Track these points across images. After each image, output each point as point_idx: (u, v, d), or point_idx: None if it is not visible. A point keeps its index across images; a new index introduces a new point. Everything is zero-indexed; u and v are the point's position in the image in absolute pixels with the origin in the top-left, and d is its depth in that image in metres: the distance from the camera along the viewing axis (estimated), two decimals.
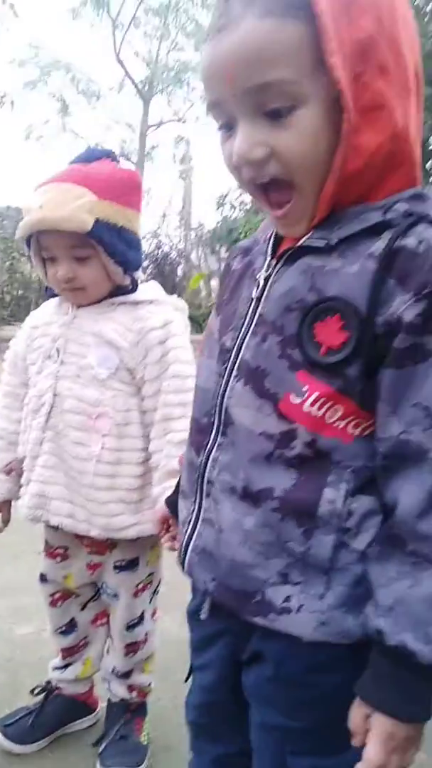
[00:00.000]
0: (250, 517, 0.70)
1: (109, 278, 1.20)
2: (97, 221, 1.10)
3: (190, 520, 0.78)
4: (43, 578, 1.38)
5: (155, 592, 1.39)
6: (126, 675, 1.39)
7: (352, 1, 0.59)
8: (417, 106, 0.67)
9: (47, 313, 1.30)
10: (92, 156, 1.21)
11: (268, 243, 0.74)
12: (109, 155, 1.22)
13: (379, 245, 0.63)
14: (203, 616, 0.80)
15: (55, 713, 1.43)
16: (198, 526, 0.76)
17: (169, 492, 1.00)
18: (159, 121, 11.93)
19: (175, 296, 1.30)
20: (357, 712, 0.67)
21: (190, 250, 10.59)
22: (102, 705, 1.51)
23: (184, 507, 0.81)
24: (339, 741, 0.69)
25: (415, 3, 4.32)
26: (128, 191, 1.17)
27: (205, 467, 0.75)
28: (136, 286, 1.24)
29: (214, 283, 10.03)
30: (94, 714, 1.50)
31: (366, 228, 0.65)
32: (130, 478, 1.20)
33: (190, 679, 0.92)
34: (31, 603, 1.98)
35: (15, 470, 1.29)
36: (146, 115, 11.50)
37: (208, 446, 0.75)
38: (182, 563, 0.80)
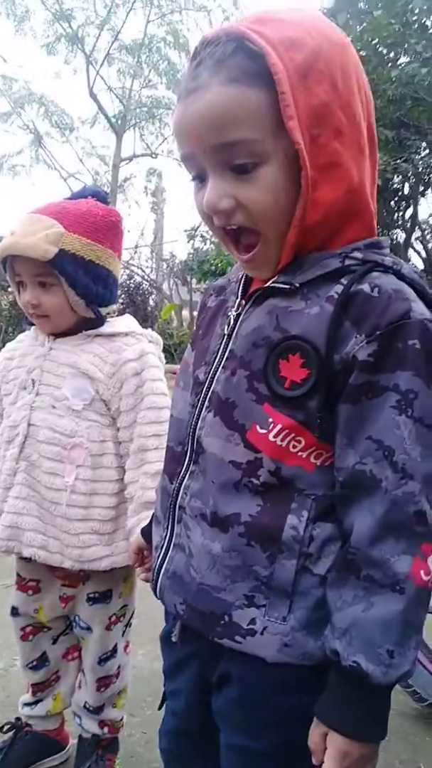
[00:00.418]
0: (217, 543, 0.73)
1: (71, 309, 1.22)
2: (61, 252, 1.15)
3: (162, 545, 0.81)
4: (14, 611, 1.37)
5: (128, 624, 1.39)
6: (98, 710, 1.37)
7: (308, 71, 0.65)
8: (371, 163, 0.73)
9: (23, 345, 1.32)
10: (81, 194, 1.27)
11: (239, 284, 0.80)
12: (97, 194, 1.27)
13: (337, 289, 0.69)
14: (174, 638, 0.83)
15: (25, 750, 1.40)
16: (170, 551, 0.80)
17: (144, 523, 1.02)
18: (132, 155, 12.13)
19: (149, 330, 1.34)
20: (315, 731, 0.70)
21: (161, 281, 10.69)
22: (73, 741, 1.48)
23: (156, 533, 0.85)
24: (303, 764, 0.71)
25: (379, 50, 4.55)
26: (101, 228, 1.21)
27: (177, 494, 0.79)
28: (103, 320, 1.26)
29: (185, 313, 10.13)
30: (64, 751, 1.47)
31: (326, 273, 0.70)
32: (104, 509, 1.20)
33: (163, 709, 0.93)
34: (0, 638, 1.95)
35: None
36: (119, 149, 11.68)
37: (181, 474, 0.79)
38: (154, 588, 0.83)
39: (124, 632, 1.37)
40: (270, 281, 0.73)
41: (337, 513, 0.71)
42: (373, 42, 4.43)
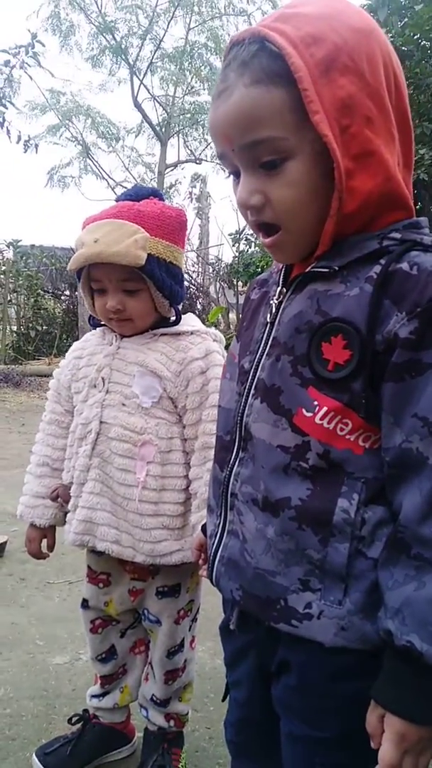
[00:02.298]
0: (271, 527, 0.74)
1: (155, 311, 1.25)
2: (149, 257, 1.15)
3: (216, 533, 0.83)
4: (84, 604, 1.40)
5: (194, 620, 1.40)
6: (164, 703, 1.39)
7: (331, 64, 0.67)
8: (403, 149, 0.74)
9: (91, 344, 1.33)
10: (140, 194, 1.27)
11: (280, 273, 0.82)
12: (156, 193, 1.29)
13: (375, 270, 0.69)
14: (232, 626, 0.84)
15: (92, 743, 1.43)
16: (224, 538, 0.81)
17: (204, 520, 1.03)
18: (176, 161, 12.27)
19: (213, 328, 1.34)
20: (372, 714, 0.70)
21: (208, 285, 10.75)
22: (139, 735, 1.51)
23: (210, 521, 0.86)
24: (369, 753, 0.70)
25: (422, 44, 4.47)
26: (176, 229, 1.23)
27: (228, 481, 0.81)
28: (180, 317, 1.29)
29: (232, 316, 10.14)
30: (131, 744, 1.50)
31: (364, 255, 0.71)
32: (174, 504, 1.22)
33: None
34: (65, 633, 2.01)
35: (61, 496, 1.32)
36: (164, 156, 11.84)
37: (231, 461, 0.81)
38: (210, 575, 0.84)
39: (190, 627, 1.39)
40: (310, 267, 0.75)
41: (387, 495, 0.71)
42: (416, 37, 4.34)
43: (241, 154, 0.71)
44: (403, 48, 4.24)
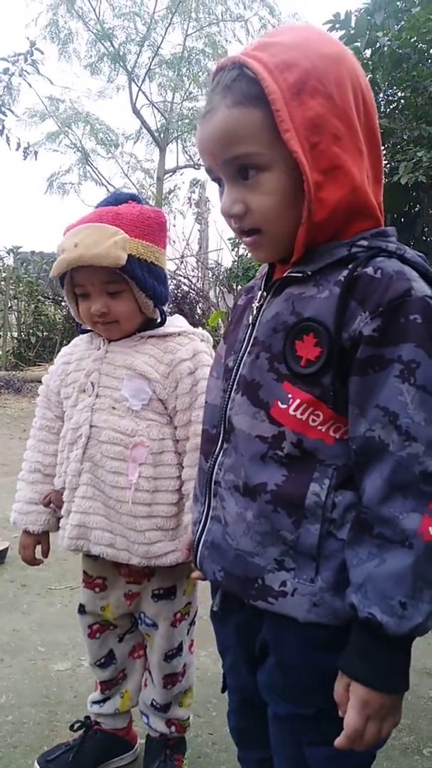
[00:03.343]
0: (250, 510, 0.80)
1: (140, 311, 1.25)
2: (129, 257, 1.16)
3: (200, 520, 0.89)
4: (81, 609, 1.40)
5: (192, 623, 1.40)
6: (165, 708, 1.38)
7: (302, 88, 0.74)
8: (372, 162, 0.80)
9: (80, 349, 1.33)
10: (119, 198, 1.29)
11: (263, 279, 0.90)
12: (135, 198, 1.30)
13: (344, 274, 0.76)
14: (215, 607, 0.90)
15: (94, 749, 1.43)
16: (207, 524, 0.87)
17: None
18: (175, 167, 12.30)
19: (200, 328, 1.34)
20: (339, 684, 0.75)
21: (208, 289, 10.76)
22: (141, 741, 1.50)
23: (195, 509, 0.92)
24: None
25: (419, 47, 4.47)
26: (156, 230, 1.23)
27: (212, 471, 0.87)
28: (165, 318, 1.29)
29: None
30: (133, 750, 1.49)
31: (334, 260, 0.78)
32: (167, 505, 1.22)
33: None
34: (66, 639, 2.00)
35: (54, 502, 1.32)
36: (163, 162, 11.88)
37: (215, 452, 0.87)
38: (194, 559, 0.89)
39: (188, 630, 1.39)
40: (286, 272, 0.81)
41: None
42: (412, 40, 4.35)
43: (224, 168, 0.79)
44: (400, 51, 4.24)
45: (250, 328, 0.86)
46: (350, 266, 0.76)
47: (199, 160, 12.47)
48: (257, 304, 0.86)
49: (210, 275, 11.08)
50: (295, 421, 0.77)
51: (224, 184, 0.81)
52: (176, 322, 1.32)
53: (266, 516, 0.79)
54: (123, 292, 1.21)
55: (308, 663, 0.80)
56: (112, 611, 1.36)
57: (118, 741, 1.47)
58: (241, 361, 0.85)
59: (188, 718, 1.43)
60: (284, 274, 0.82)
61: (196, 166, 12.40)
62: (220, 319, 9.47)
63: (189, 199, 12.75)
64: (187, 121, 12.07)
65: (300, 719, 0.82)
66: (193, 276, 11.15)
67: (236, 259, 9.97)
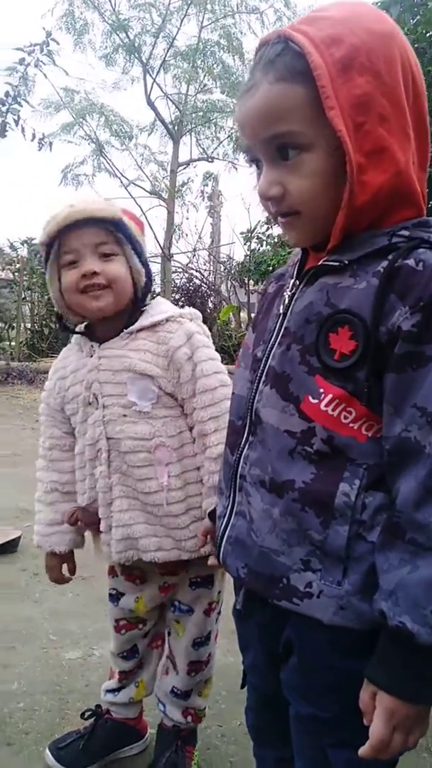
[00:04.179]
0: (276, 507, 0.78)
1: (131, 279, 1.21)
2: (122, 220, 1.18)
3: (225, 514, 0.86)
4: (115, 599, 1.38)
5: (219, 612, 1.40)
6: (185, 695, 1.39)
7: (348, 64, 0.70)
8: (418, 147, 0.76)
9: (71, 360, 1.28)
10: None
11: (295, 267, 0.86)
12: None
13: (383, 265, 0.72)
14: (238, 605, 0.88)
15: (105, 738, 1.44)
16: (232, 519, 0.85)
17: (212, 507, 1.04)
18: (188, 159, 12.25)
19: (186, 308, 1.28)
20: (365, 692, 0.72)
21: (219, 284, 10.73)
22: (151, 731, 1.51)
23: (220, 503, 0.90)
24: (366, 730, 0.72)
25: None
26: (139, 223, 1.27)
27: (238, 464, 0.84)
28: (144, 300, 1.25)
29: (243, 315, 10.13)
30: (143, 740, 1.50)
31: (374, 250, 0.74)
32: (200, 496, 1.21)
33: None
34: (78, 628, 2.02)
35: (82, 520, 1.29)
36: (176, 154, 11.83)
37: (241, 445, 0.85)
38: (217, 554, 0.88)
39: (216, 620, 1.39)
40: (322, 260, 0.78)
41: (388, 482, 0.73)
42: (428, 34, 4.31)
43: (263, 147, 0.76)
44: (416, 45, 4.20)
45: (280, 317, 0.82)
46: (390, 257, 0.72)
47: (213, 152, 12.43)
48: (289, 293, 0.82)
49: (222, 269, 11.06)
50: (327, 417, 0.74)
51: (262, 165, 0.78)
52: (161, 307, 1.26)
53: (293, 514, 0.76)
54: (116, 256, 1.18)
55: (331, 665, 0.78)
56: (145, 604, 1.35)
57: (129, 730, 1.48)
58: (270, 351, 0.82)
59: (204, 708, 1.44)
60: (319, 263, 0.78)
61: (210, 159, 12.35)
62: (231, 314, 9.46)
63: (202, 192, 12.71)
64: (201, 113, 12.01)
65: (322, 721, 0.80)
66: (205, 270, 11.13)
67: (248, 253, 9.94)
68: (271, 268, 8.82)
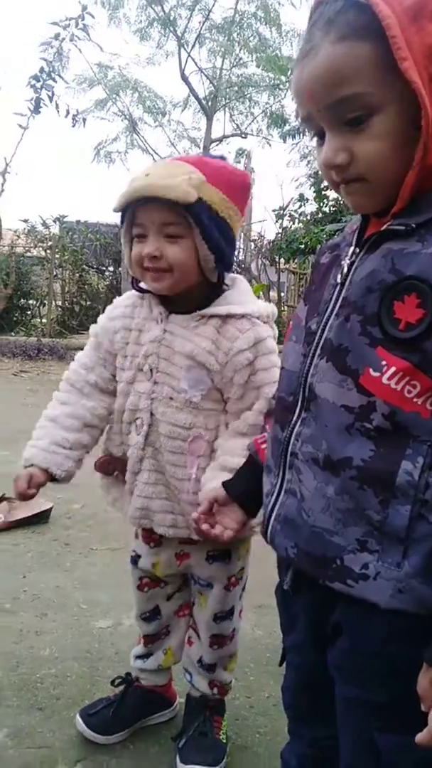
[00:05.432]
0: (330, 486, 0.74)
1: (198, 267, 1.15)
2: (200, 200, 1.08)
3: (273, 492, 0.83)
4: (134, 561, 1.40)
5: (243, 588, 1.40)
6: (211, 668, 1.39)
7: (419, 11, 0.66)
8: None
9: (138, 314, 1.25)
10: (208, 156, 1.23)
11: (354, 234, 0.82)
12: (224, 158, 1.25)
13: None
14: (286, 586, 0.85)
15: (135, 705, 1.45)
16: (281, 497, 0.82)
17: (221, 479, 1.04)
18: (222, 136, 12.10)
19: (265, 304, 1.24)
20: (424, 677, 0.69)
21: (249, 262, 10.63)
22: (180, 700, 1.53)
23: (267, 481, 0.87)
24: (419, 717, 0.69)
25: None
26: (237, 188, 1.16)
27: (288, 441, 0.81)
28: (221, 289, 1.20)
29: (273, 294, 10.03)
30: (172, 708, 1.52)
31: None
32: None
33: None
34: (107, 598, 2.04)
35: (117, 469, 1.30)
36: (209, 130, 11.69)
37: (292, 421, 0.81)
38: (264, 533, 0.85)
39: (240, 596, 1.38)
40: (386, 225, 0.73)
41: None
42: None
43: (326, 114, 0.72)
44: None
45: (338, 287, 0.78)
46: None
47: (246, 129, 12.24)
48: (348, 261, 0.78)
49: (252, 247, 10.95)
50: (389, 391, 0.70)
51: (325, 133, 0.73)
52: (240, 296, 1.21)
53: (350, 493, 0.73)
54: (182, 238, 1.12)
55: (387, 651, 0.74)
56: (162, 569, 1.37)
57: (158, 698, 1.49)
58: (326, 323, 0.78)
59: (230, 681, 1.44)
60: (382, 228, 0.74)
61: (243, 135, 12.17)
62: (261, 292, 9.38)
63: None
64: (235, 88, 11.82)
65: (372, 705, 0.77)
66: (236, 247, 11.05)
67: (280, 231, 9.81)
68: (303, 246, 8.69)
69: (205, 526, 0.98)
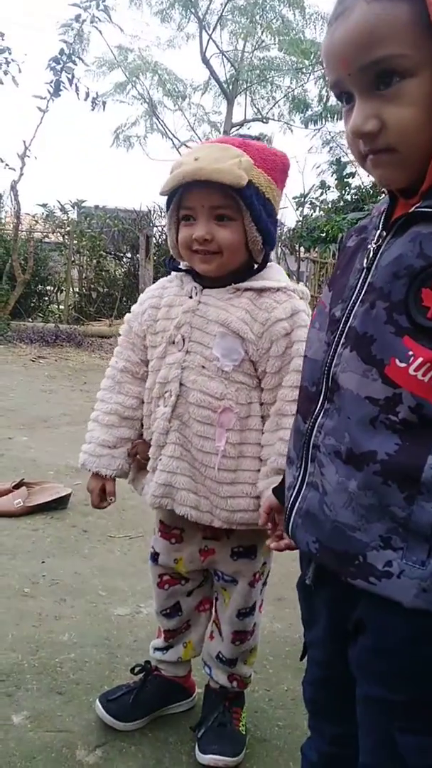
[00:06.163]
0: (353, 480, 0.72)
1: (246, 248, 1.16)
2: (250, 183, 1.09)
3: (295, 485, 0.81)
4: (154, 558, 1.39)
5: (265, 583, 1.38)
6: (231, 663, 1.38)
7: None
8: None
9: (169, 293, 1.26)
10: (244, 137, 1.23)
11: (381, 216, 0.78)
12: (259, 139, 1.24)
13: None
14: (308, 581, 0.83)
15: (154, 693, 1.45)
16: (303, 490, 0.80)
17: (269, 487, 1.01)
18: (242, 120, 11.96)
19: (300, 284, 1.25)
20: None
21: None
22: (199, 691, 1.52)
23: (289, 473, 0.84)
24: None
25: None
26: (279, 169, 1.18)
27: (311, 433, 0.79)
28: (266, 263, 1.21)
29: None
30: (191, 698, 1.52)
31: None
32: (252, 471, 1.18)
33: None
34: (126, 586, 2.04)
35: (140, 454, 1.30)
36: (230, 114, 11.57)
37: (315, 412, 0.78)
38: (286, 526, 0.83)
39: (261, 590, 1.37)
40: (414, 207, 0.70)
41: None
42: None
43: (357, 77, 0.68)
44: None
45: (363, 272, 0.75)
46: None
47: (267, 113, 12.08)
48: (374, 245, 0.75)
49: None
50: (416, 382, 0.67)
51: (354, 100, 0.70)
52: (274, 275, 1.22)
53: (374, 488, 0.70)
54: (233, 220, 1.13)
55: (409, 651, 0.73)
56: (185, 565, 1.35)
57: (178, 687, 1.49)
58: (351, 310, 0.75)
59: (250, 675, 1.43)
60: (411, 210, 0.70)
61: (265, 120, 12.02)
62: None
63: None
64: (257, 71, 11.66)
65: (394, 704, 0.75)
66: None
67: (301, 219, 9.70)
68: (324, 234, 8.58)
69: (273, 544, 0.95)
